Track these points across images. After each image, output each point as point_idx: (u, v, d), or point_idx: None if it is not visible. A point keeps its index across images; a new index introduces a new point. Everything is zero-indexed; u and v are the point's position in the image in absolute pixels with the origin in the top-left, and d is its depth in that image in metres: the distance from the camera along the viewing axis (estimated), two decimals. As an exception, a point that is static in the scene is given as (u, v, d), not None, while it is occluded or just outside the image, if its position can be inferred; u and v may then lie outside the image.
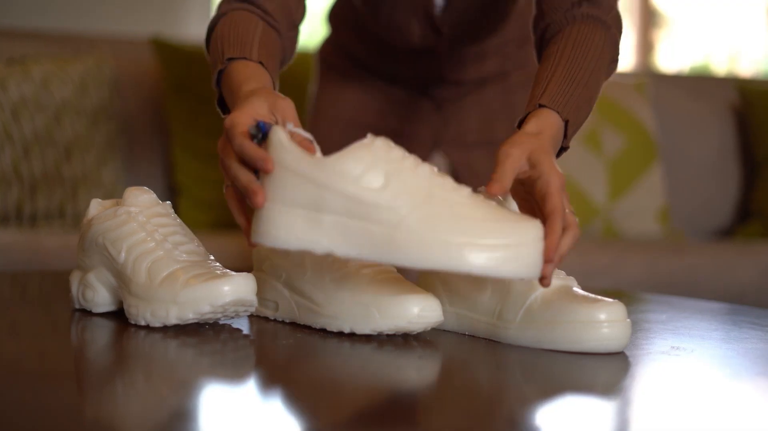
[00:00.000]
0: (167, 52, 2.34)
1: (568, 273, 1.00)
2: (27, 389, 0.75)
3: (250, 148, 0.90)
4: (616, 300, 0.95)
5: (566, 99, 1.02)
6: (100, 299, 1.05)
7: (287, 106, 0.95)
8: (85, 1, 3.01)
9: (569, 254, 0.92)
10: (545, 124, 1.00)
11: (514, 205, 0.99)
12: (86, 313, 1.06)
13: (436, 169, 0.91)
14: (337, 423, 0.72)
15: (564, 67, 1.06)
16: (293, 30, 1.18)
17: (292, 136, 0.90)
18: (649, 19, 4.25)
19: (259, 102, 0.95)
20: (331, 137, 1.62)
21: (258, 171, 0.91)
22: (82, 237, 1.06)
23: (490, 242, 0.85)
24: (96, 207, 1.08)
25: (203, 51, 2.66)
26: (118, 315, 1.04)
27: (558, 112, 1.01)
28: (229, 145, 0.93)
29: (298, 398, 0.78)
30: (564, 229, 0.91)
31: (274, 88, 1.05)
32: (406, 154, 0.90)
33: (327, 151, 1.69)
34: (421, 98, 1.59)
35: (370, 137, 0.89)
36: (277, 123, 0.93)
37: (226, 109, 1.08)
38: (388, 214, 0.86)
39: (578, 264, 1.97)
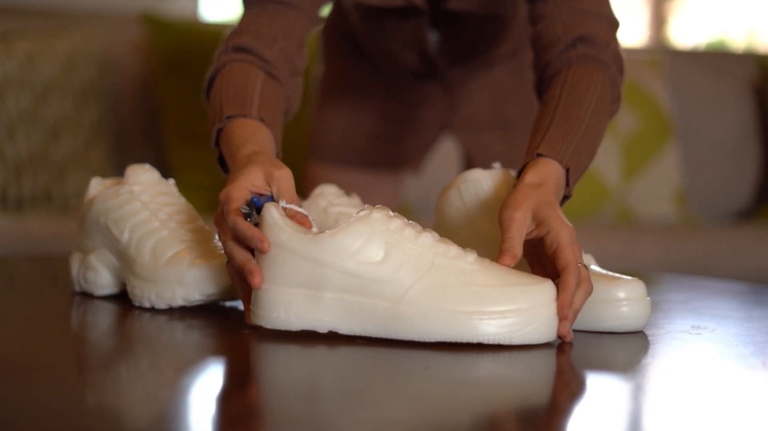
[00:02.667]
0: (158, 28, 2.36)
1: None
2: (29, 374, 0.77)
3: (244, 227, 0.90)
4: (635, 278, 0.97)
5: (565, 146, 1.02)
6: (103, 281, 1.07)
7: (283, 176, 0.95)
8: (69, -25, 3.01)
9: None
10: (545, 174, 0.99)
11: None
12: (87, 296, 1.08)
13: (438, 236, 0.91)
14: (342, 403, 0.74)
15: (562, 113, 1.06)
16: (296, 77, 1.18)
17: (286, 211, 0.90)
18: (662, -8, 4.26)
19: (255, 172, 0.95)
20: (337, 121, 1.65)
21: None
22: (83, 218, 1.08)
23: (500, 309, 0.86)
24: (96, 186, 1.09)
25: (196, 28, 2.64)
26: (121, 298, 1.06)
27: (557, 161, 1.01)
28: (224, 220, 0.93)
29: (305, 379, 0.80)
30: (577, 284, 0.91)
31: (276, 144, 1.06)
32: (406, 222, 0.90)
33: (331, 135, 1.72)
34: (428, 81, 1.60)
35: (367, 208, 0.89)
36: (272, 195, 0.94)
37: (226, 167, 1.08)
38: (390, 288, 0.87)
39: (591, 248, 1.98)
